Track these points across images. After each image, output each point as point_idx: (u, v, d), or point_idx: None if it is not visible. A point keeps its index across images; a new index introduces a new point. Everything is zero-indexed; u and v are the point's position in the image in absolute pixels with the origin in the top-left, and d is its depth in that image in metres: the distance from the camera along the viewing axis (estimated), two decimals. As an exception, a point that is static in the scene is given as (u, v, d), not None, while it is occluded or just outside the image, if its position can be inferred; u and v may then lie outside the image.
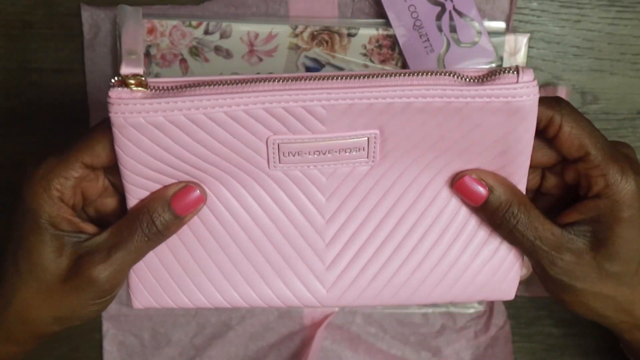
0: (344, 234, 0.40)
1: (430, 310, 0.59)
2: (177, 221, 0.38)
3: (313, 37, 0.52)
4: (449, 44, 0.52)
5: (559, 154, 0.39)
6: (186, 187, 0.37)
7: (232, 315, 0.59)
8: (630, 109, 0.55)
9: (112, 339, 0.59)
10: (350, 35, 0.52)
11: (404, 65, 0.52)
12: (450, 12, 0.52)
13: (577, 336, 0.60)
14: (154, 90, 0.35)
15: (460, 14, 0.52)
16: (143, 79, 0.34)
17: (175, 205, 0.37)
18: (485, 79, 0.35)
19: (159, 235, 0.38)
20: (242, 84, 0.34)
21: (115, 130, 0.35)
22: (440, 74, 0.35)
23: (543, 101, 0.36)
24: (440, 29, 0.52)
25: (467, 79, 0.35)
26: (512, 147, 0.37)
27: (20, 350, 0.42)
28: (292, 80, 0.35)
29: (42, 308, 0.39)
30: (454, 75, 0.35)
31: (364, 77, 0.35)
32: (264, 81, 0.35)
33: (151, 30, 0.52)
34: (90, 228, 0.38)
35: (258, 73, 0.52)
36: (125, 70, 0.34)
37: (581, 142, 0.37)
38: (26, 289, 0.38)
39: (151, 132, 0.35)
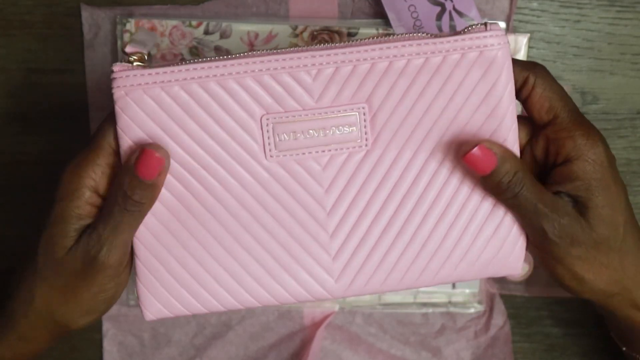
0: (347, 224, 0.41)
1: (430, 310, 0.59)
2: (151, 187, 0.38)
3: (313, 37, 0.52)
4: (449, 44, 0.52)
5: (530, 126, 0.40)
6: (144, 151, 0.37)
7: (232, 315, 0.59)
8: (630, 109, 0.55)
9: (112, 339, 0.59)
10: (350, 35, 0.52)
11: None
12: (450, 12, 0.52)
13: (577, 336, 0.60)
14: (151, 68, 0.37)
15: (460, 14, 0.52)
16: (145, 56, 0.37)
17: (140, 172, 0.37)
18: (457, 34, 0.38)
19: (138, 204, 0.38)
20: (232, 59, 0.38)
21: (117, 109, 0.37)
22: (415, 34, 0.38)
23: (519, 63, 0.39)
24: (440, 29, 0.52)
25: (440, 35, 0.38)
26: (496, 108, 0.39)
27: (38, 349, 0.43)
28: (278, 53, 0.38)
29: (67, 302, 0.40)
30: (427, 34, 0.38)
31: (345, 42, 0.38)
32: (251, 52, 0.38)
33: (151, 31, 0.52)
34: None
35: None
36: (129, 49, 0.37)
37: (551, 104, 0.39)
38: (46, 285, 0.40)
39: (150, 107, 0.37)
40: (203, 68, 0.37)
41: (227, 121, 0.38)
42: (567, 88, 0.54)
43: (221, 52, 0.52)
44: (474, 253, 0.41)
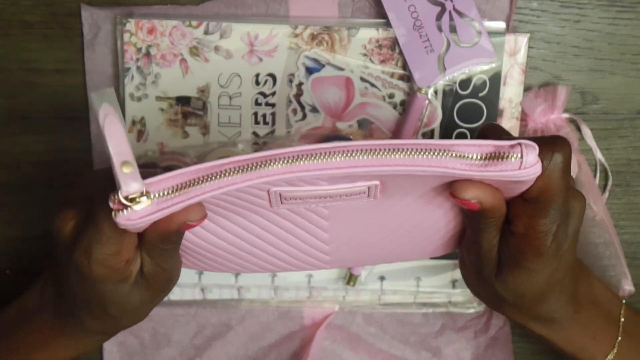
0: (343, 238, 0.42)
1: (430, 310, 0.59)
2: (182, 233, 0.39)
3: (313, 37, 0.52)
4: (449, 44, 0.52)
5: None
6: (186, 226, 0.37)
7: (232, 315, 0.59)
8: (630, 109, 0.55)
9: (112, 339, 0.59)
10: (350, 35, 0.52)
11: (404, 66, 0.52)
12: (450, 12, 0.52)
13: (577, 336, 0.60)
14: (157, 198, 0.33)
15: (460, 14, 0.52)
16: (143, 194, 0.33)
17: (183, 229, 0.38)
18: (488, 160, 0.34)
19: (179, 241, 0.40)
20: (244, 172, 0.34)
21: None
22: (443, 154, 0.34)
23: (540, 144, 0.35)
24: (440, 29, 0.52)
25: (471, 158, 0.34)
26: (507, 190, 0.37)
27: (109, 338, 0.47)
28: (294, 161, 0.34)
29: (141, 316, 0.44)
30: (457, 156, 0.34)
31: (367, 154, 0.34)
32: (266, 165, 0.34)
33: (151, 30, 0.52)
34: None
35: (258, 74, 0.52)
36: (125, 191, 0.32)
37: (541, 198, 0.37)
38: (123, 323, 0.43)
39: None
40: (212, 194, 0.34)
41: (236, 194, 0.36)
42: (567, 88, 0.54)
43: (221, 52, 0.52)
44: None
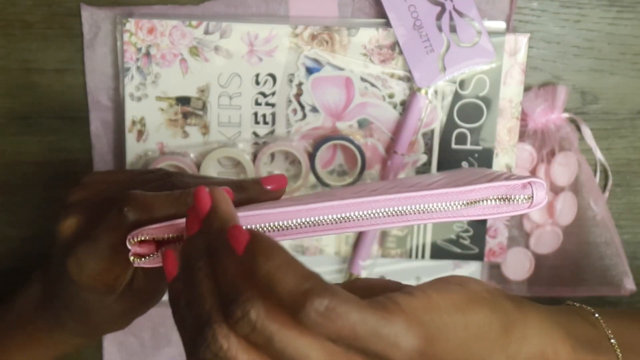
0: None
1: (430, 310, 0.59)
2: None
3: (313, 37, 0.52)
4: (449, 44, 0.52)
5: None
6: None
7: (232, 315, 0.59)
8: (630, 109, 0.55)
9: (112, 339, 0.59)
10: (350, 35, 0.52)
11: (404, 66, 0.52)
12: (450, 12, 0.52)
13: (577, 336, 0.60)
14: None
15: (460, 14, 0.52)
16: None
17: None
18: (501, 201, 0.36)
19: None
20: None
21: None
22: (458, 206, 0.35)
23: None
24: (440, 29, 0.52)
25: (484, 202, 0.36)
26: None
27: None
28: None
29: (121, 325, 0.43)
30: (471, 202, 0.35)
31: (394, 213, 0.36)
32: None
33: (151, 30, 0.52)
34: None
35: (258, 74, 0.52)
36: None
37: None
38: (102, 329, 0.43)
39: None
40: None
41: None
42: (567, 88, 0.54)
43: (221, 52, 0.52)
44: None
